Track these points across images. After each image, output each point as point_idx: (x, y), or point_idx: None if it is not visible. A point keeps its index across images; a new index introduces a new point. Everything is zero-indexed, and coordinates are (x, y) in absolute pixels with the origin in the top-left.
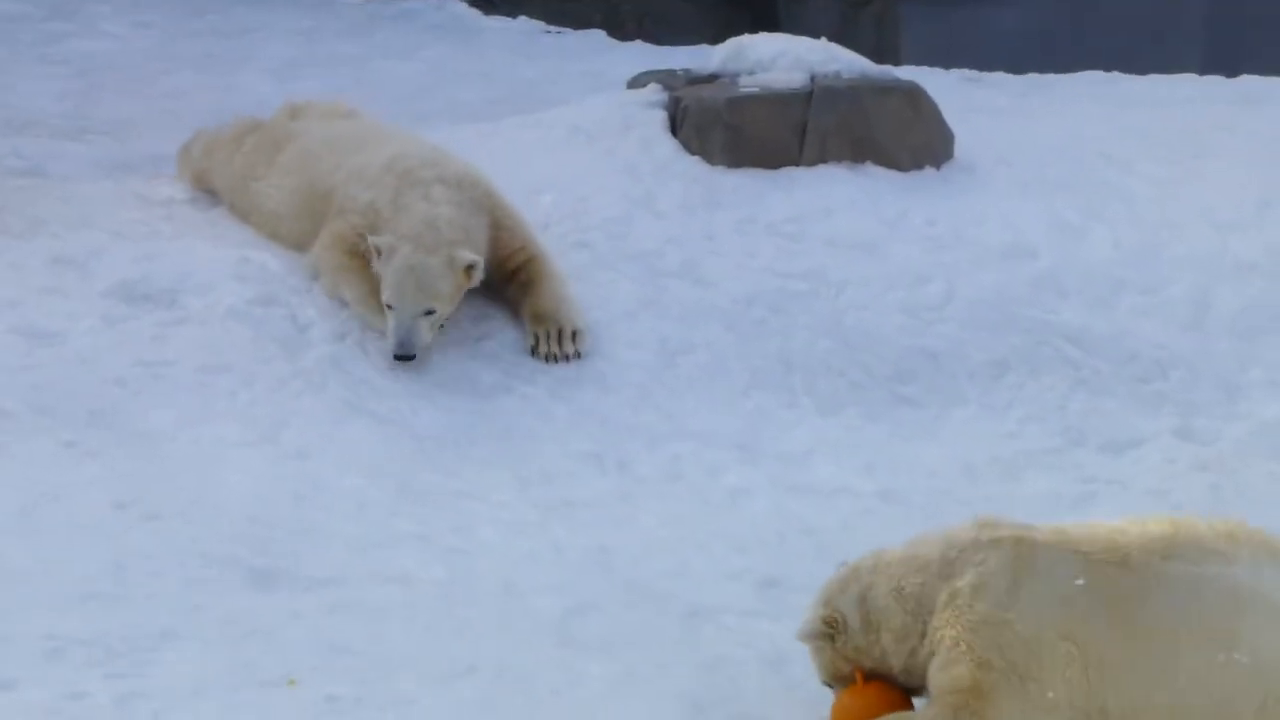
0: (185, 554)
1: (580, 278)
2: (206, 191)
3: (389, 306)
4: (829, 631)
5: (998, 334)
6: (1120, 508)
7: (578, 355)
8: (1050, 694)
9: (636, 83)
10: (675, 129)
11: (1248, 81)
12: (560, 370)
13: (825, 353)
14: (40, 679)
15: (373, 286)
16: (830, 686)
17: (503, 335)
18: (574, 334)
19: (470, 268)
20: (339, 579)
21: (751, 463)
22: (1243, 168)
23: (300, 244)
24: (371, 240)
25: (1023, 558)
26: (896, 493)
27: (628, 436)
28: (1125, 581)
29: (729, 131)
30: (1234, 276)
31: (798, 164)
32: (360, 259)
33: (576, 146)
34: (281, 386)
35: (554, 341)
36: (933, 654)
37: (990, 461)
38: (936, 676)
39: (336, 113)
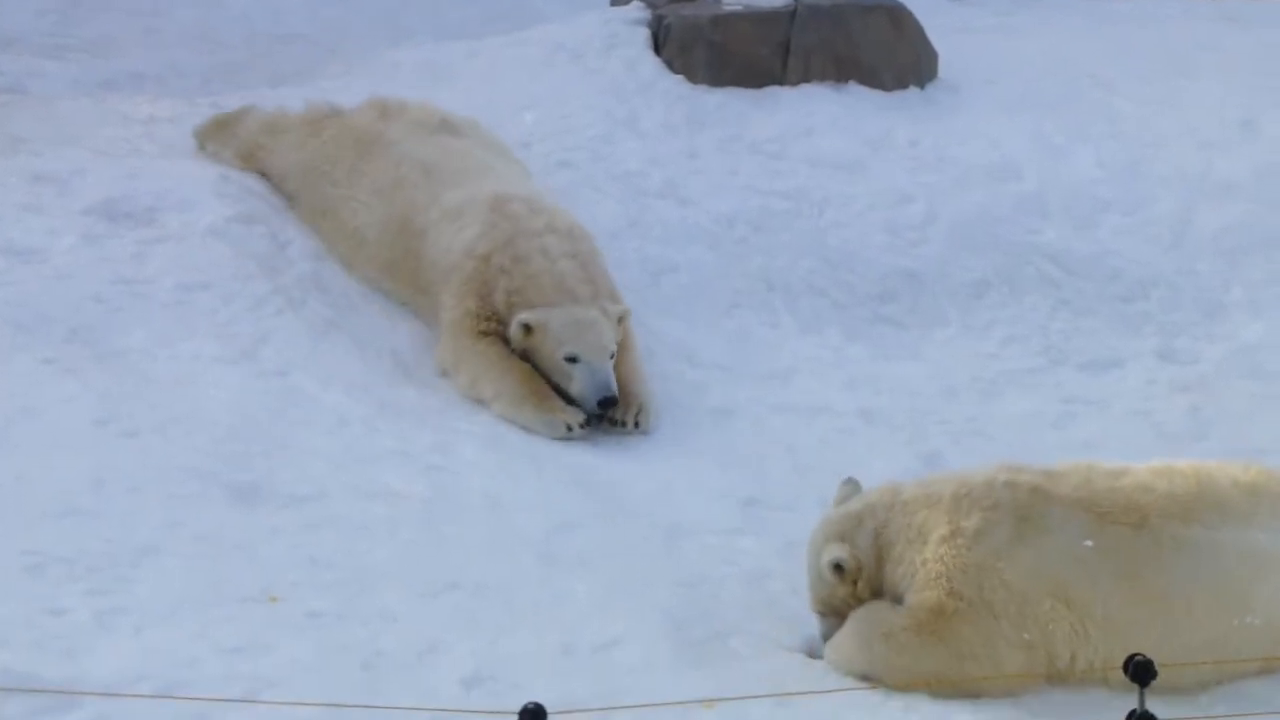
0: (164, 470)
1: (564, 197)
2: (252, 170)
3: (571, 360)
4: (852, 576)
5: (980, 254)
6: (1100, 428)
7: (643, 433)
8: (1026, 635)
9: (620, 0)
10: (658, 47)
11: (1232, 1)
12: None
13: (807, 272)
14: (19, 594)
15: (522, 373)
16: (820, 615)
17: None
18: (641, 410)
19: (621, 318)
20: (319, 495)
21: (734, 382)
22: (1226, 87)
23: (377, 268)
24: (522, 320)
25: (1034, 511)
26: (877, 412)
27: None
28: (1140, 544)
29: (712, 50)
30: (1216, 196)
31: (781, 83)
32: (492, 339)
33: (559, 65)
34: (261, 304)
35: (629, 414)
36: (915, 576)
37: (971, 381)
38: (909, 597)
39: (428, 121)
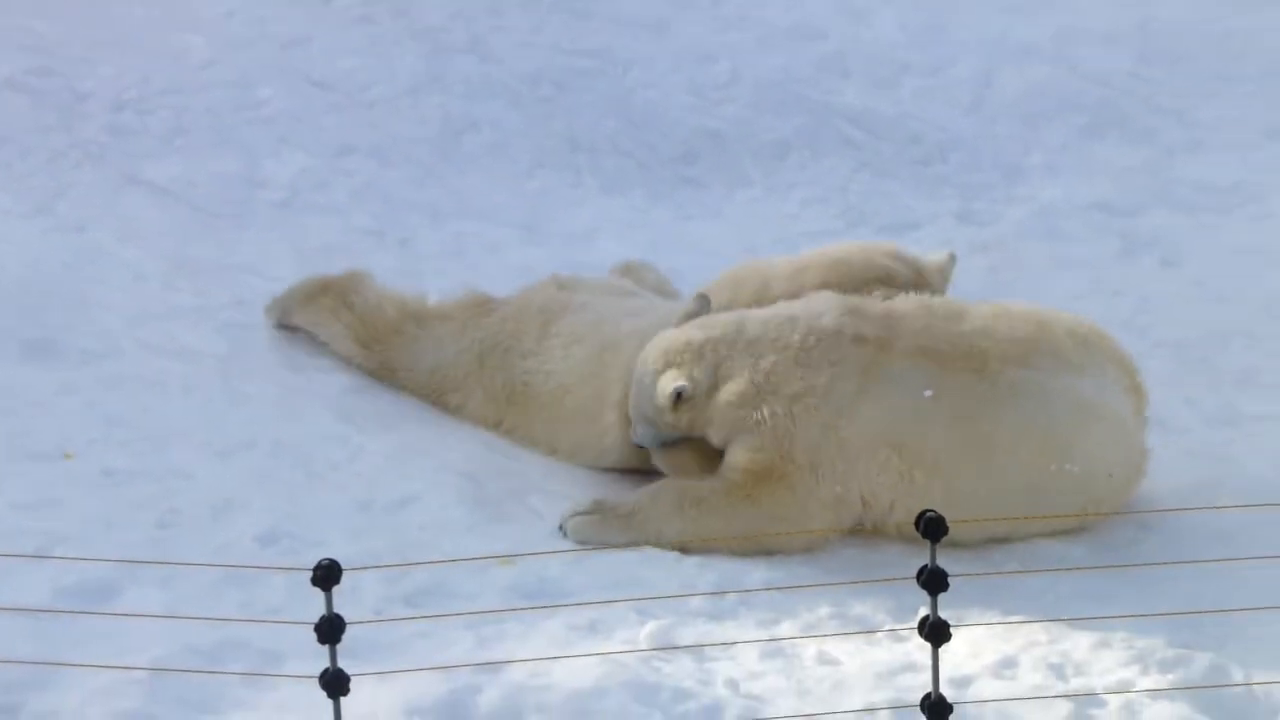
0: None
1: (362, 53)
2: (368, 359)
3: None
4: (687, 407)
5: (782, 115)
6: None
7: None
8: (839, 489)
9: None
10: None
11: None
12: (336, 141)
13: (611, 132)
14: None
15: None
16: (639, 444)
17: None
18: None
19: None
20: (115, 352)
21: (535, 242)
22: None
23: (584, 420)
24: None
25: (878, 365)
26: (680, 272)
27: (410, 213)
28: (978, 389)
29: None
30: (1016, 60)
31: None
32: None
33: None
34: (59, 157)
35: None
36: (748, 427)
37: (773, 242)
38: (738, 450)
39: (612, 287)
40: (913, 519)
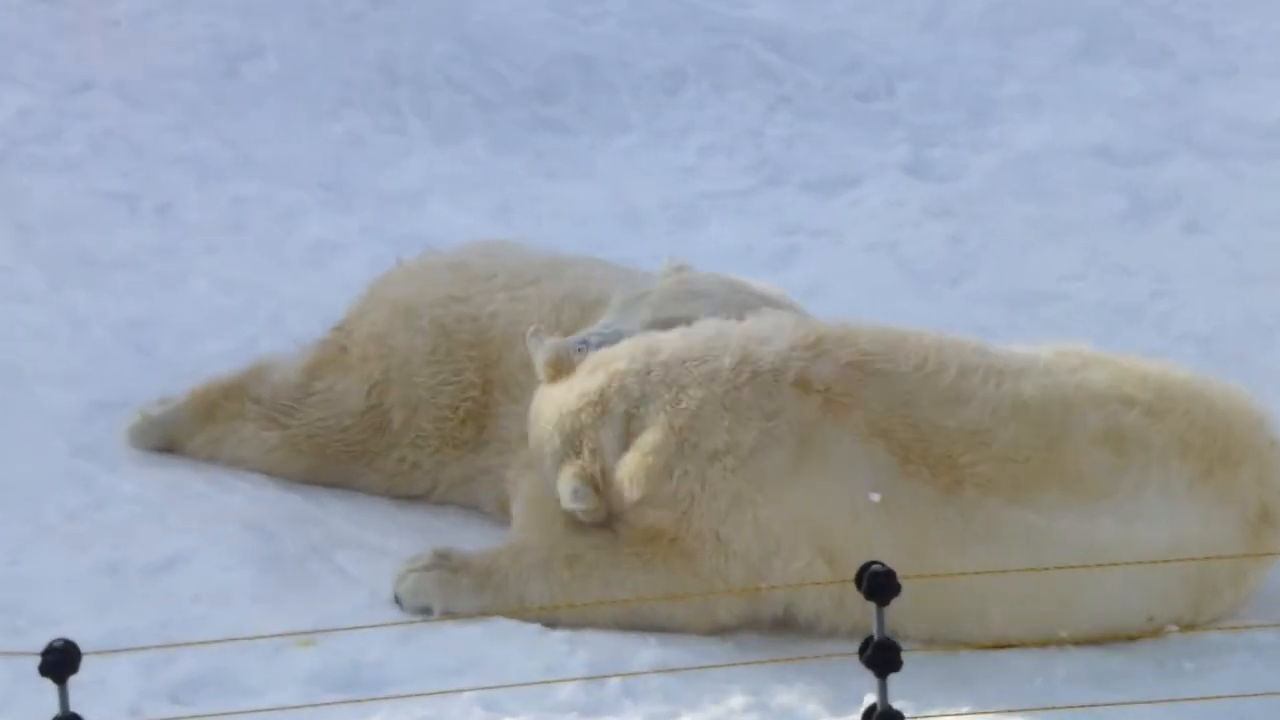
0: None
1: None
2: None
3: None
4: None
5: (672, 35)
6: (832, 264)
7: None
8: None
9: None
10: None
11: None
12: (68, 74)
13: (443, 59)
14: None
15: None
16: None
17: None
18: None
19: None
20: None
21: (342, 207)
22: None
23: None
24: None
25: (821, 433)
26: (537, 245)
27: (171, 171)
28: (942, 514)
29: None
30: None
31: None
32: None
33: None
34: None
35: None
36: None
37: (663, 206)
38: (646, 509)
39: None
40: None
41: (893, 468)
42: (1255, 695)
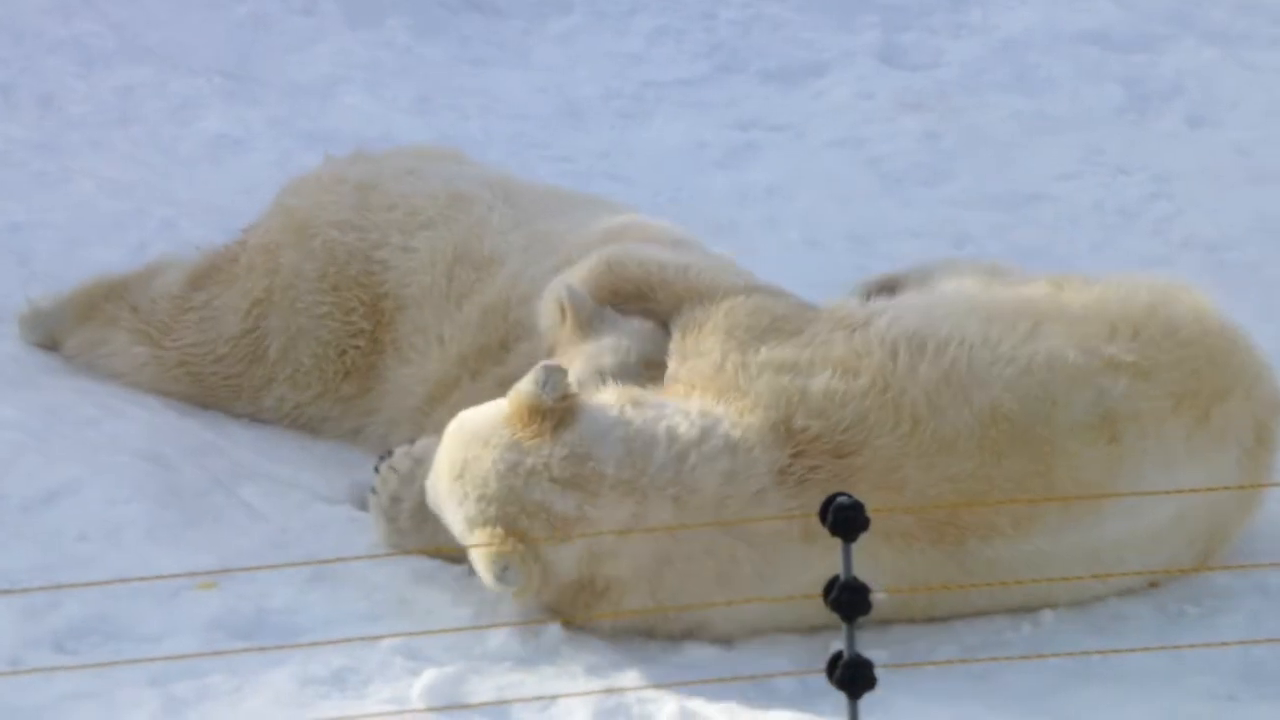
0: None
1: None
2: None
3: None
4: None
5: None
6: (793, 164)
7: None
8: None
9: None
10: None
11: None
12: None
13: None
14: None
15: None
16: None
17: None
18: None
19: None
20: None
21: (244, 98)
22: None
23: None
24: None
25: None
26: (465, 142)
27: (51, 57)
28: (947, 569)
29: None
30: None
31: None
32: None
33: None
34: None
35: None
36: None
37: (606, 97)
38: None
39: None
40: None
41: (896, 543)
42: (1264, 641)
